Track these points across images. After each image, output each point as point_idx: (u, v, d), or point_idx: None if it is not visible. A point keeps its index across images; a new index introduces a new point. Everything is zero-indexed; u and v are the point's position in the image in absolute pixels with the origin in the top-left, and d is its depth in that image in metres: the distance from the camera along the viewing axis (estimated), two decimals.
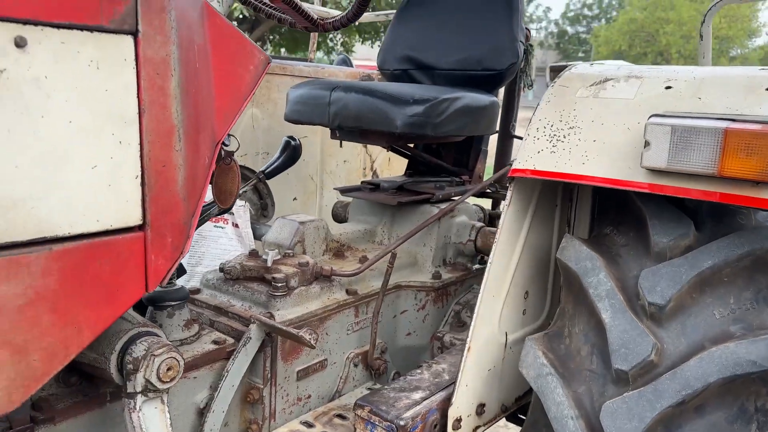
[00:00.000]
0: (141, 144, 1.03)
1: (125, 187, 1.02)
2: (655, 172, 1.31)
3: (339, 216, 2.48)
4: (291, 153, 1.61)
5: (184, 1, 1.10)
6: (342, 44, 19.14)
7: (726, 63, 36.81)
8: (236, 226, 2.11)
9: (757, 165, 1.18)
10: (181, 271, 1.75)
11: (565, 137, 1.48)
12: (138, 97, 1.01)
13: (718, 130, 1.19)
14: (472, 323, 1.53)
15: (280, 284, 1.64)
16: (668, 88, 1.44)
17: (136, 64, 1.00)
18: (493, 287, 1.57)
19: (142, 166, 1.03)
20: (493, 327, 1.61)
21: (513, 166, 1.52)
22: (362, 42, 18.89)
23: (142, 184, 1.04)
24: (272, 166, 1.60)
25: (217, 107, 1.31)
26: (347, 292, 1.83)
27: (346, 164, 3.00)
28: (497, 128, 2.30)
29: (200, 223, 1.59)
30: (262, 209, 2.38)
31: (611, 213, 1.64)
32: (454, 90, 1.98)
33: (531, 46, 2.45)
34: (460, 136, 2.07)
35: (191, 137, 1.14)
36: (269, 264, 1.70)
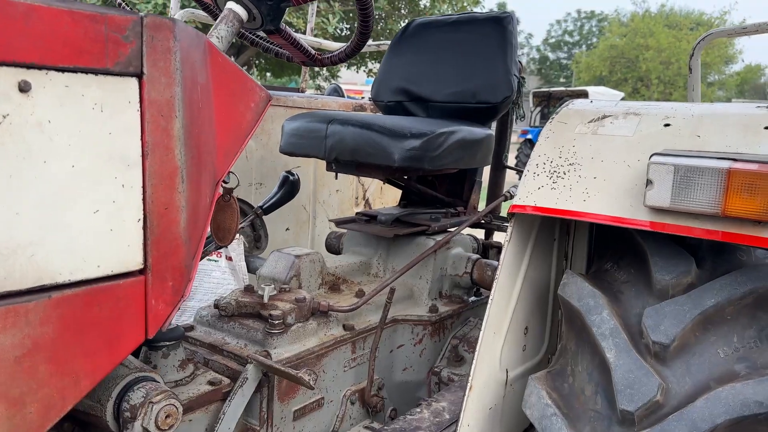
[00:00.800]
0: (144, 187, 1.01)
1: (127, 230, 0.99)
2: (657, 210, 1.32)
3: (333, 247, 2.46)
4: (289, 188, 1.59)
5: (188, 41, 1.09)
6: (327, 69, 19.27)
7: (704, 89, 37.64)
8: (230, 259, 2.08)
9: (759, 204, 1.19)
10: None
11: (565, 174, 1.49)
12: (141, 139, 1.00)
13: (722, 170, 1.20)
14: (474, 361, 1.51)
15: (277, 321, 1.61)
16: (667, 125, 1.45)
17: (141, 107, 0.99)
18: (494, 324, 1.56)
19: (144, 210, 1.01)
20: (494, 364, 1.59)
21: (513, 202, 1.52)
22: (348, 68, 19.04)
23: (144, 227, 1.02)
24: (270, 202, 1.58)
25: (219, 145, 1.29)
26: (344, 327, 1.80)
27: (338, 194, 2.98)
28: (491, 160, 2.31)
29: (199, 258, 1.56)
30: (256, 241, 2.36)
31: (610, 248, 1.64)
32: (450, 123, 1.98)
33: (523, 78, 2.48)
34: (456, 168, 2.07)
35: (194, 178, 1.12)
36: (266, 300, 1.67)
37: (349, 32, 17.14)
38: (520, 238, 1.60)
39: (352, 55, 1.72)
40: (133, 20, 0.96)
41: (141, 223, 1.01)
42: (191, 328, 1.75)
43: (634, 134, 1.47)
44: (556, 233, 1.79)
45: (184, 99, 1.06)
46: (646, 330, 1.34)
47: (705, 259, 1.45)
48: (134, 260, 1.02)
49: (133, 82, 0.97)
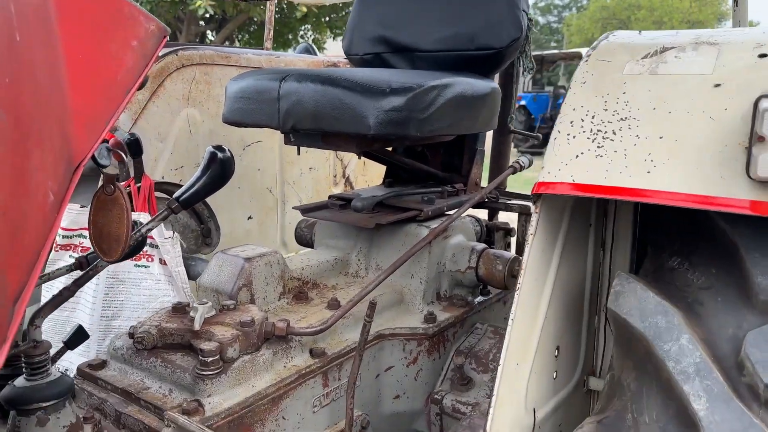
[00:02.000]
0: None
1: None
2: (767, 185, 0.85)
3: (304, 239, 1.99)
4: (218, 170, 1.12)
5: None
6: (313, 41, 18.57)
7: None
8: (164, 263, 1.61)
9: None
10: (79, 336, 1.26)
11: (614, 134, 1.01)
12: None
13: None
14: (491, 408, 1.05)
15: (210, 358, 1.15)
16: (764, 56, 0.98)
17: None
18: (516, 351, 1.10)
19: None
20: (518, 406, 1.13)
21: (540, 178, 1.05)
22: (333, 38, 18.31)
23: None
24: (191, 190, 1.11)
25: (75, 108, 0.81)
26: (312, 353, 1.35)
27: (312, 173, 2.50)
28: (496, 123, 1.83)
29: (80, 284, 1.09)
30: (204, 236, 1.89)
31: (674, 236, 1.17)
32: (444, 74, 1.50)
33: (531, 20, 1.98)
34: (453, 134, 1.59)
35: (4, 162, 0.65)
36: (197, 326, 1.21)
37: None
38: (549, 228, 1.13)
39: None
40: None
41: None
42: (103, 364, 1.29)
43: (715, 71, 1.00)
44: (592, 217, 1.33)
45: None
46: (752, 365, 0.88)
47: None
48: None
49: None
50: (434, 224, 1.68)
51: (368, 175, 2.75)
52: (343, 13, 16.62)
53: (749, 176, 0.86)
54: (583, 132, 1.04)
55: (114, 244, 0.93)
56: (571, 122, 1.05)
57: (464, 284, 1.71)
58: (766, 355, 0.88)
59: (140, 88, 1.00)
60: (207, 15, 16.68)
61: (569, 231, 1.21)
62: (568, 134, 1.05)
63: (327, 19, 17.06)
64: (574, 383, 1.36)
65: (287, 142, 1.62)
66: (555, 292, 1.19)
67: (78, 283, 1.08)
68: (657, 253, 1.20)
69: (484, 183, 2.05)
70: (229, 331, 1.23)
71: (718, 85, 0.97)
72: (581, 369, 1.39)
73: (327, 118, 1.42)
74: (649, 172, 0.95)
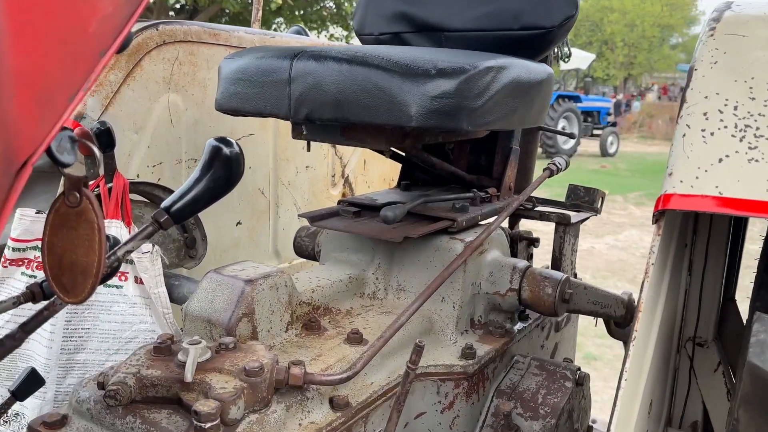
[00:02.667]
0: None
1: None
2: None
3: (304, 250, 1.70)
4: (223, 170, 0.82)
5: None
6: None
7: (667, 51, 37.45)
8: (140, 282, 1.30)
9: None
10: (32, 382, 0.95)
11: None
12: None
13: None
14: None
15: (208, 424, 0.85)
16: None
17: None
18: (628, 399, 0.83)
19: None
20: None
21: (666, 189, 0.78)
22: (320, 31, 17.88)
23: None
24: (186, 198, 0.81)
25: (20, 79, 0.51)
26: (332, 404, 1.06)
27: (309, 171, 2.20)
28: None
29: (29, 329, 0.78)
30: (188, 247, 1.58)
31: None
32: (496, 55, 1.22)
33: None
34: (503, 129, 1.31)
35: None
36: (189, 377, 0.91)
37: None
38: (666, 251, 0.86)
39: None
40: None
41: None
42: (63, 420, 0.98)
43: None
44: (688, 237, 1.07)
45: None
46: None
47: None
48: None
49: None
50: (469, 237, 1.40)
51: (368, 176, 2.46)
52: (318, 6, 16.25)
53: None
54: (725, 128, 0.77)
55: (79, 277, 0.63)
56: (705, 114, 0.79)
57: (503, 309, 1.44)
58: None
59: (120, 50, 0.70)
60: (177, 5, 16.11)
61: (677, 256, 0.95)
62: (703, 130, 0.78)
63: (301, 12, 16.68)
64: None
65: (297, 135, 1.32)
66: (660, 334, 0.92)
67: (26, 329, 0.77)
68: None
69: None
70: (231, 382, 0.93)
71: None
72: (664, 421, 1.13)
73: (353, 106, 1.12)
74: None
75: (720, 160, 0.77)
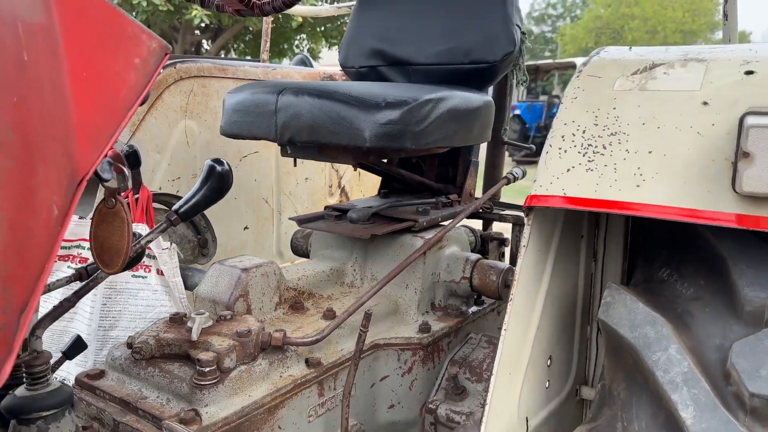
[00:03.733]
0: None
1: None
2: (754, 199, 0.88)
3: (300, 249, 2.01)
4: (216, 183, 1.14)
5: None
6: (309, 51, 18.63)
7: None
8: (161, 273, 1.62)
9: None
10: (78, 346, 1.27)
11: (605, 148, 1.04)
12: None
13: None
14: (484, 417, 1.07)
15: (208, 368, 1.16)
16: (750, 73, 1.01)
17: None
18: (509, 362, 1.12)
19: None
20: (511, 416, 1.15)
21: (533, 191, 1.07)
22: (329, 47, 18.38)
23: None
24: (190, 202, 1.13)
25: (79, 123, 0.83)
26: (307, 363, 1.36)
27: (308, 183, 2.52)
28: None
29: (80, 295, 1.10)
30: (201, 246, 1.90)
31: (664, 249, 1.20)
32: (439, 88, 1.52)
33: (524, 34, 2.02)
34: (448, 146, 1.61)
35: (11, 178, 0.66)
36: (194, 337, 1.23)
37: None
38: (541, 240, 1.15)
39: (293, 3, 1.27)
40: None
41: None
42: (101, 374, 1.30)
43: (703, 87, 1.02)
44: (584, 229, 1.35)
45: None
46: (738, 375, 0.90)
47: None
48: None
49: None
50: (429, 235, 1.70)
51: (363, 186, 2.78)
52: (339, 23, 16.72)
53: (735, 191, 0.89)
54: (574, 146, 1.06)
55: (115, 256, 0.95)
56: (563, 137, 1.08)
57: (459, 294, 1.73)
58: (751, 365, 0.90)
59: (142, 104, 1.02)
60: (203, 24, 16.73)
61: (561, 242, 1.23)
62: (560, 148, 1.07)
63: (322, 28, 17.15)
64: (566, 393, 1.38)
65: (284, 154, 1.64)
66: (547, 302, 1.21)
67: (78, 294, 1.10)
68: (647, 264, 1.23)
69: (479, 194, 2.08)
70: (226, 341, 1.24)
71: (705, 103, 1.00)
72: (573, 378, 1.41)
73: (324, 131, 1.44)
74: (638, 186, 0.98)
75: (567, 170, 1.05)
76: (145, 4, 11.97)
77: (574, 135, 1.08)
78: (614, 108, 1.06)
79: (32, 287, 0.71)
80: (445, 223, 1.78)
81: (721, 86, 1.01)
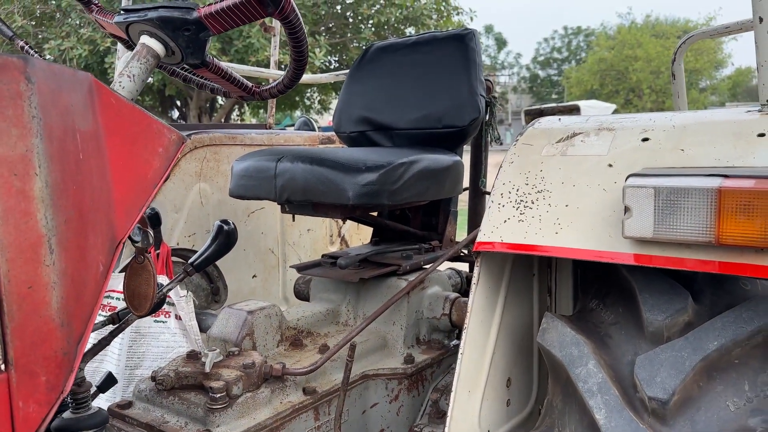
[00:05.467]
0: None
1: None
2: (640, 241, 1.12)
3: (301, 294, 2.25)
4: (224, 240, 1.40)
5: (55, 82, 0.91)
6: (319, 102, 19.25)
7: (696, 95, 37.67)
8: (179, 318, 1.87)
9: (759, 228, 0.99)
10: (110, 381, 1.51)
11: (533, 203, 1.29)
12: None
13: (711, 191, 1.00)
14: (447, 427, 1.29)
15: (218, 395, 1.40)
16: (645, 140, 1.26)
17: None
18: (467, 380, 1.34)
19: None
20: (473, 427, 1.37)
21: (477, 239, 1.32)
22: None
23: (0, 313, 0.82)
24: (202, 257, 1.39)
25: (117, 200, 1.10)
26: (304, 391, 1.59)
27: (310, 233, 2.79)
28: (463, 188, 2.12)
29: (118, 331, 1.36)
30: (213, 294, 2.16)
31: (595, 284, 1.43)
32: (412, 152, 1.79)
33: (495, 97, 2.30)
34: (423, 201, 1.87)
35: (73, 244, 0.93)
36: (207, 369, 1.47)
37: (337, 64, 17.14)
38: (491, 278, 1.39)
39: (291, 86, 1.54)
40: None
41: None
42: (129, 404, 1.54)
43: (609, 152, 1.28)
44: (535, 268, 1.59)
45: (49, 152, 0.87)
46: (640, 383, 1.13)
47: (703, 291, 1.25)
48: None
49: None
50: (412, 277, 1.94)
51: (362, 234, 3.03)
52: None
53: (624, 236, 1.13)
54: (510, 202, 1.32)
55: (143, 301, 1.21)
56: (501, 194, 1.34)
57: (440, 329, 1.96)
58: (649, 374, 1.12)
59: (164, 181, 1.29)
60: None
61: (513, 280, 1.47)
62: (499, 203, 1.33)
63: (332, 81, 17.78)
64: (528, 412, 1.59)
65: (284, 211, 1.91)
66: (502, 330, 1.44)
67: (113, 335, 1.35)
68: (584, 296, 1.46)
69: (460, 239, 2.32)
70: (234, 372, 1.48)
71: (610, 165, 1.25)
72: (535, 400, 1.62)
73: (316, 192, 1.71)
74: (556, 233, 1.22)
75: (504, 221, 1.30)
76: None
77: (510, 192, 1.33)
78: (541, 170, 1.32)
79: (85, 324, 0.97)
80: (427, 266, 2.02)
81: (623, 151, 1.26)
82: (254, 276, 2.54)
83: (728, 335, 1.11)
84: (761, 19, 1.17)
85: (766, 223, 0.98)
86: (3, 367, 0.83)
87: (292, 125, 3.18)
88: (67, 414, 1.28)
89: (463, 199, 2.39)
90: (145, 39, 1.32)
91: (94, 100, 1.04)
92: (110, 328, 1.42)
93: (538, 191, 1.29)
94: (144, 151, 1.16)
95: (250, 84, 1.56)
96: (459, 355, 1.31)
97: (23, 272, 0.84)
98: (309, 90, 18.53)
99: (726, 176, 1.02)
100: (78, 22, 12.17)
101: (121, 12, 1.35)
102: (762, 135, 1.13)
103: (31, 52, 1.55)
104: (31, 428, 0.89)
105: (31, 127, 0.84)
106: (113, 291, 1.88)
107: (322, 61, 15.19)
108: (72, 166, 0.94)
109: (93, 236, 1.00)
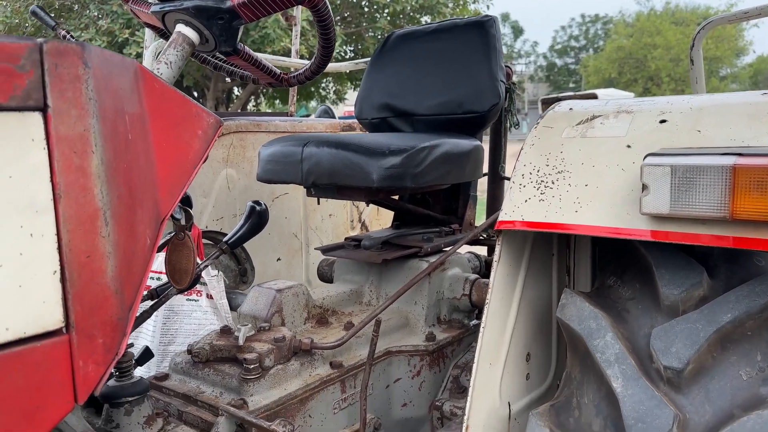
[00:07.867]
0: (58, 234, 0.88)
1: (40, 285, 0.87)
2: (657, 218, 1.16)
3: (325, 275, 2.32)
4: (256, 219, 1.46)
5: (107, 67, 0.98)
6: (334, 92, 19.30)
7: (716, 83, 37.16)
8: (210, 297, 1.95)
9: None
10: (147, 355, 1.59)
11: (553, 183, 1.34)
12: (51, 180, 0.88)
13: (726, 168, 1.05)
14: (469, 398, 1.35)
15: (252, 366, 1.48)
16: (663, 122, 1.31)
17: (48, 144, 0.87)
18: (488, 354, 1.40)
19: (60, 260, 0.89)
20: (494, 399, 1.43)
21: (499, 218, 1.38)
22: (354, 89, 19.05)
23: (62, 280, 0.89)
24: (236, 235, 1.46)
25: (161, 179, 1.17)
26: (331, 365, 1.66)
27: (332, 218, 2.86)
28: (483, 172, 2.17)
29: (158, 305, 1.44)
30: (241, 275, 2.23)
31: (613, 261, 1.48)
32: (434, 137, 1.85)
33: (514, 84, 2.34)
34: (444, 184, 1.93)
35: (124, 218, 1.00)
36: (241, 342, 1.54)
37: (353, 54, 17.16)
38: (511, 257, 1.45)
39: (317, 73, 1.60)
40: (29, 47, 0.84)
41: (58, 275, 0.88)
42: (166, 376, 1.62)
43: (627, 134, 1.32)
44: (554, 248, 1.64)
45: (103, 132, 0.94)
46: (656, 354, 1.18)
47: (717, 267, 1.29)
48: (53, 318, 0.89)
49: (36, 117, 0.85)
50: (433, 259, 2.00)
51: (381, 219, 3.10)
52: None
53: (641, 213, 1.18)
54: (531, 182, 1.37)
55: (184, 275, 1.28)
56: (522, 175, 1.39)
57: (460, 309, 2.02)
58: (665, 345, 1.17)
59: (203, 162, 1.36)
60: None
61: (532, 260, 1.52)
62: (520, 184, 1.38)
63: (347, 72, 17.83)
64: (547, 386, 1.64)
65: (309, 194, 1.97)
66: (522, 308, 1.50)
67: (153, 308, 1.43)
68: (602, 274, 1.51)
69: (479, 222, 2.37)
70: (266, 345, 1.56)
71: (629, 146, 1.30)
72: (553, 374, 1.68)
73: (340, 175, 1.77)
74: (576, 212, 1.27)
75: (525, 201, 1.35)
76: None
77: (531, 173, 1.38)
78: (561, 152, 1.37)
79: (135, 293, 1.04)
80: (447, 249, 2.07)
81: (641, 133, 1.31)
82: (278, 259, 2.61)
83: (742, 308, 1.16)
84: None
85: None
86: (65, 329, 0.91)
87: (308, 116, 3.25)
88: (111, 382, 1.37)
89: (482, 189, 2.44)
90: (180, 27, 1.39)
91: (139, 84, 1.11)
92: (148, 303, 1.50)
93: (558, 172, 1.34)
94: (185, 134, 1.23)
95: (278, 71, 1.62)
96: (481, 329, 1.37)
97: (82, 243, 0.91)
98: (324, 80, 18.59)
99: (740, 154, 1.06)
100: (96, 14, 12.32)
101: (158, 2, 1.42)
102: None
103: (73, 40, 1.62)
104: (89, 386, 0.96)
105: (88, 108, 0.91)
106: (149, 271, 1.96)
107: (338, 50, 15.23)
108: (122, 146, 1.01)
109: (141, 212, 1.07)
